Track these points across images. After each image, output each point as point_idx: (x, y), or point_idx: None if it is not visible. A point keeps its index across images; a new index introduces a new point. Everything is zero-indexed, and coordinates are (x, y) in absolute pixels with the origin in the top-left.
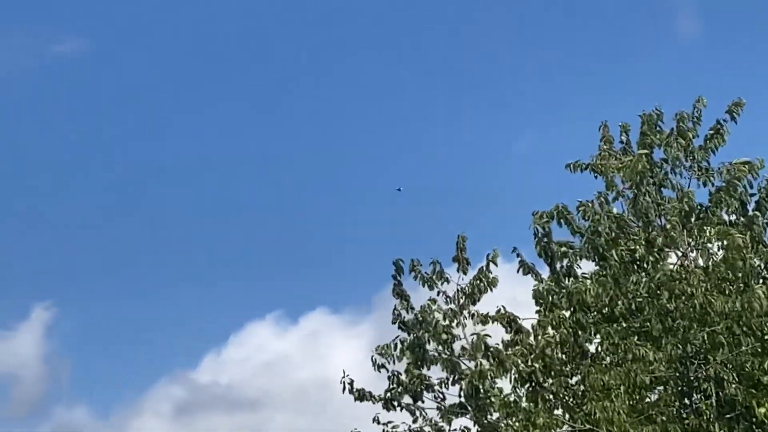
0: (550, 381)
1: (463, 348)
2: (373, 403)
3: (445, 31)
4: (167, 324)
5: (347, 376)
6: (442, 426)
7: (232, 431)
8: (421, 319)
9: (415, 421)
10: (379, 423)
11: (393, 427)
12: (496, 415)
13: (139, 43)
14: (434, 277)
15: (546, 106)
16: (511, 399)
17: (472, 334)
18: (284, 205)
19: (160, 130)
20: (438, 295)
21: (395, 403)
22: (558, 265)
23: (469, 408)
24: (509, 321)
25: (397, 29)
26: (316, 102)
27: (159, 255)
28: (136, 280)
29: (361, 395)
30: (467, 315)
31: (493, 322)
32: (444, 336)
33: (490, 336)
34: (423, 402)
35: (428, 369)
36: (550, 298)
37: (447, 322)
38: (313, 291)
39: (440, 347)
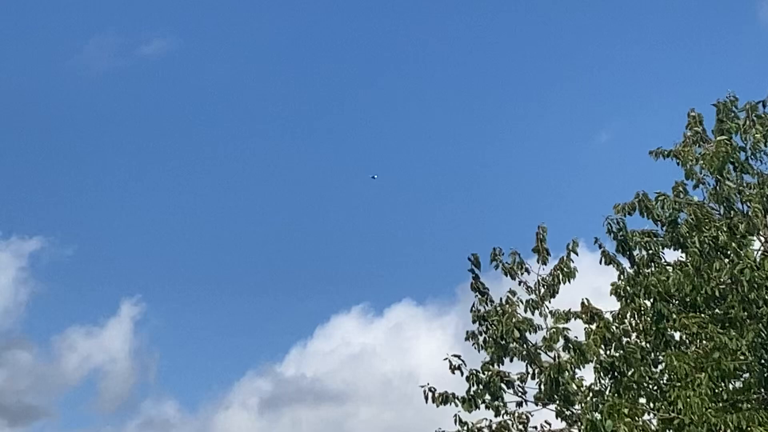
0: (632, 371)
1: (543, 338)
2: (456, 405)
3: (528, 23)
4: (253, 318)
5: (428, 385)
6: (525, 419)
7: (317, 424)
8: (500, 311)
9: (497, 415)
10: (461, 423)
11: (476, 424)
12: (578, 406)
13: (225, 42)
14: (514, 267)
15: (629, 97)
16: (595, 389)
17: (551, 328)
18: (369, 199)
19: (247, 129)
20: (519, 285)
21: (478, 401)
22: (638, 255)
23: (555, 398)
24: (592, 315)
25: (478, 21)
26: (394, 97)
27: (246, 250)
28: (223, 275)
29: (444, 399)
30: (547, 307)
31: (575, 318)
32: (524, 327)
33: (569, 329)
34: (503, 400)
35: (510, 361)
36: (630, 289)
37: (527, 313)
38: (399, 283)
39: (520, 339)
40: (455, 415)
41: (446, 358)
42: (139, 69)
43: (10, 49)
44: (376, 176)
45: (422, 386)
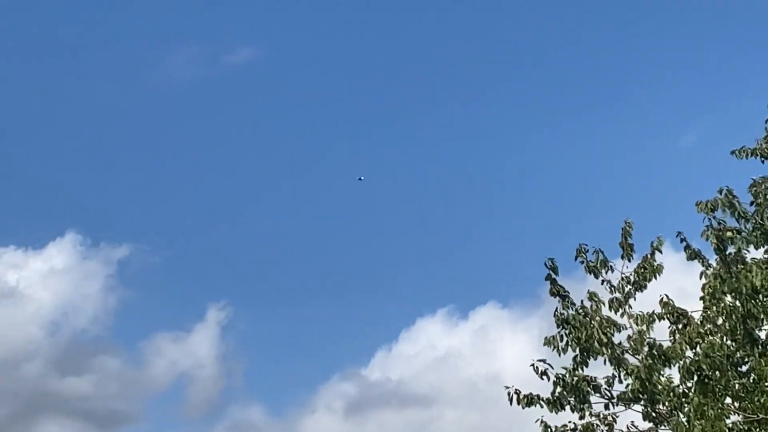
0: (718, 373)
1: (628, 337)
2: (541, 407)
3: (613, 26)
4: (339, 322)
5: (513, 387)
6: (611, 420)
7: (402, 427)
8: (583, 313)
9: (581, 418)
10: (545, 427)
11: (561, 427)
12: (663, 407)
13: (308, 51)
14: (598, 265)
15: (715, 98)
16: (680, 391)
17: (634, 333)
18: (454, 203)
19: (331, 134)
20: (602, 284)
21: (563, 403)
22: (729, 253)
23: (641, 399)
24: (678, 316)
25: (563, 23)
26: (479, 106)
27: (332, 255)
28: (308, 279)
29: (529, 401)
30: (629, 308)
31: (660, 320)
32: (607, 328)
33: (652, 331)
34: (589, 403)
35: (595, 359)
36: (717, 286)
37: (612, 312)
38: (484, 285)
39: (604, 340)
40: (540, 418)
41: (532, 364)
42: (223, 77)
43: (98, 60)
44: (362, 178)
45: (507, 388)
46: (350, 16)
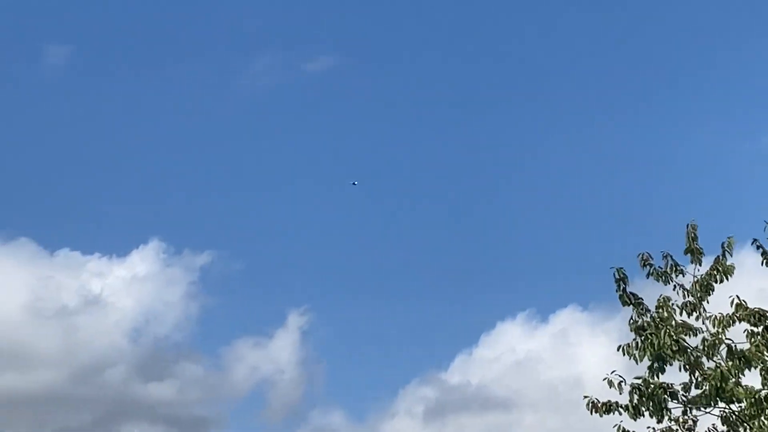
0: None
1: (703, 340)
2: (620, 413)
3: (690, 31)
4: (419, 326)
5: (591, 396)
6: (691, 424)
7: (482, 431)
8: (657, 320)
9: (660, 422)
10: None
11: None
12: (738, 408)
13: (386, 58)
14: (668, 270)
15: None
16: (762, 395)
17: (709, 336)
18: (534, 207)
19: (412, 140)
20: (674, 289)
21: (641, 409)
22: None
23: (718, 403)
24: (759, 317)
25: (640, 27)
26: (555, 110)
27: (411, 259)
28: (388, 284)
29: (607, 408)
30: (705, 309)
31: (739, 322)
32: (681, 334)
33: (731, 339)
34: (668, 408)
35: (670, 365)
36: None
37: (684, 316)
38: (564, 289)
39: (679, 350)
40: (618, 424)
41: (606, 378)
42: (304, 85)
43: (180, 69)
44: (356, 183)
45: (585, 397)
46: (426, 23)
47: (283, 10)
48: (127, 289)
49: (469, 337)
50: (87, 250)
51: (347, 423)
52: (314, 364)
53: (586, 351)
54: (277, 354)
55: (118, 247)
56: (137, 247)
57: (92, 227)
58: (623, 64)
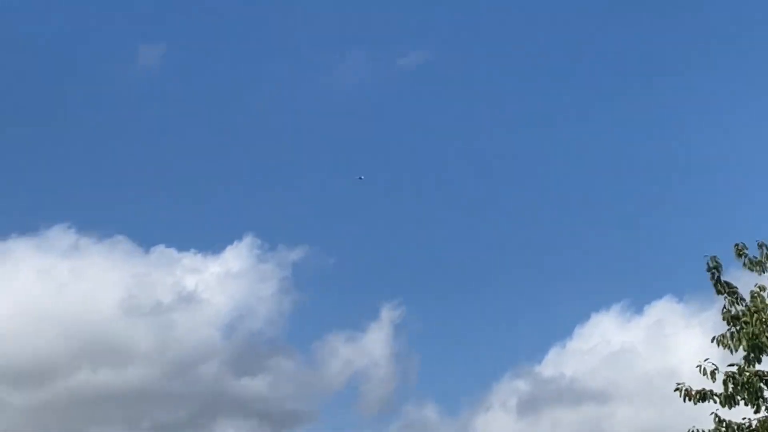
0: None
1: None
2: (714, 402)
3: None
4: (512, 319)
5: (684, 384)
6: None
7: (577, 424)
8: (753, 309)
9: (757, 412)
10: (719, 422)
11: (734, 422)
12: None
13: (478, 53)
14: (763, 259)
15: None
16: None
17: None
18: (629, 197)
19: (503, 133)
20: None
21: (737, 398)
22: None
23: None
24: None
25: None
26: (649, 100)
27: (505, 252)
28: (481, 277)
29: (701, 396)
30: None
31: None
32: None
33: None
34: (764, 397)
35: (767, 354)
36: None
37: None
38: (660, 280)
39: None
40: (713, 412)
41: (698, 366)
42: (395, 81)
43: (270, 67)
44: (362, 177)
45: (678, 384)
46: (520, 18)
47: (373, 6)
48: (221, 285)
49: (563, 329)
50: (182, 246)
51: (440, 417)
52: (407, 358)
53: (681, 342)
54: (370, 348)
55: (213, 243)
56: (231, 243)
57: (187, 224)
58: (715, 56)
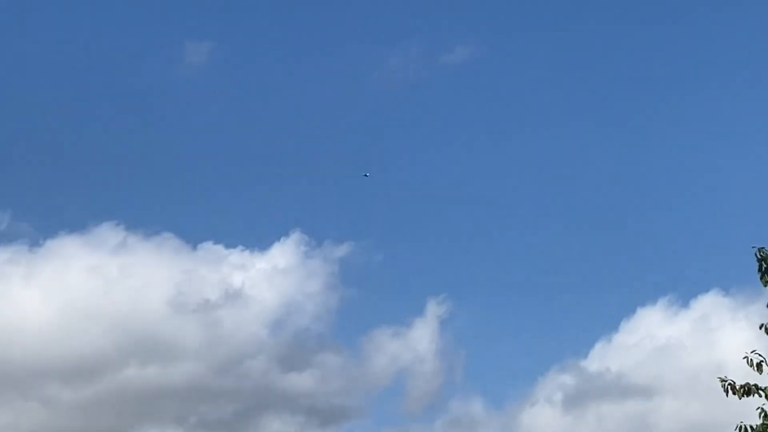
0: None
1: None
2: (760, 396)
3: None
4: (558, 313)
5: (728, 378)
6: None
7: (622, 419)
8: None
9: None
10: (766, 417)
11: None
12: None
13: (530, 49)
14: None
15: None
16: None
17: None
18: (674, 191)
19: (549, 132)
20: None
21: None
22: None
23: None
24: None
25: None
26: (692, 103)
27: (550, 247)
28: (526, 271)
29: (746, 391)
30: None
31: None
32: None
33: None
34: None
35: None
36: None
37: None
38: (706, 273)
39: None
40: (760, 407)
41: (746, 357)
42: (443, 77)
43: (321, 63)
44: (367, 174)
45: (722, 380)
46: (563, 14)
47: (418, 1)
48: (268, 281)
49: (609, 323)
50: (229, 243)
51: (486, 411)
52: (453, 353)
53: (728, 337)
54: (416, 343)
55: (260, 240)
56: (278, 240)
57: (234, 221)
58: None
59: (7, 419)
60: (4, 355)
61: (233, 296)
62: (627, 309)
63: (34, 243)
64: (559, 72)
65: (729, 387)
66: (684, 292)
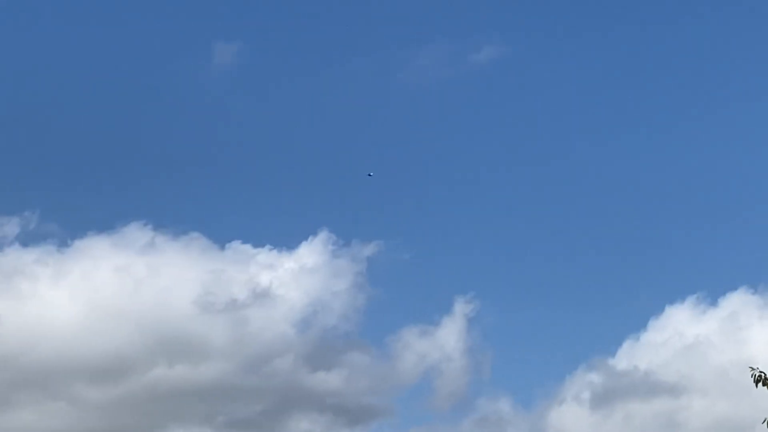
0: None
1: None
2: None
3: None
4: (585, 311)
5: (757, 369)
6: None
7: (650, 418)
8: None
9: None
10: None
11: None
12: None
13: (556, 48)
14: None
15: None
16: None
17: None
18: (702, 189)
19: (574, 132)
20: None
21: None
22: None
23: None
24: None
25: None
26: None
27: (578, 245)
28: (554, 269)
29: None
30: None
31: None
32: None
33: None
34: None
35: None
36: None
37: None
38: (734, 271)
39: None
40: None
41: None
42: (470, 76)
43: (344, 66)
44: (371, 174)
45: (752, 369)
46: (589, 14)
47: (446, 1)
48: (296, 280)
49: (637, 321)
50: (259, 242)
51: (514, 410)
52: (481, 352)
53: (756, 334)
54: (444, 342)
55: (288, 239)
56: (306, 239)
57: (262, 220)
58: None
59: (35, 419)
60: (32, 355)
61: (261, 295)
62: (655, 307)
63: (63, 243)
64: (586, 71)
65: (758, 378)
66: (712, 290)
